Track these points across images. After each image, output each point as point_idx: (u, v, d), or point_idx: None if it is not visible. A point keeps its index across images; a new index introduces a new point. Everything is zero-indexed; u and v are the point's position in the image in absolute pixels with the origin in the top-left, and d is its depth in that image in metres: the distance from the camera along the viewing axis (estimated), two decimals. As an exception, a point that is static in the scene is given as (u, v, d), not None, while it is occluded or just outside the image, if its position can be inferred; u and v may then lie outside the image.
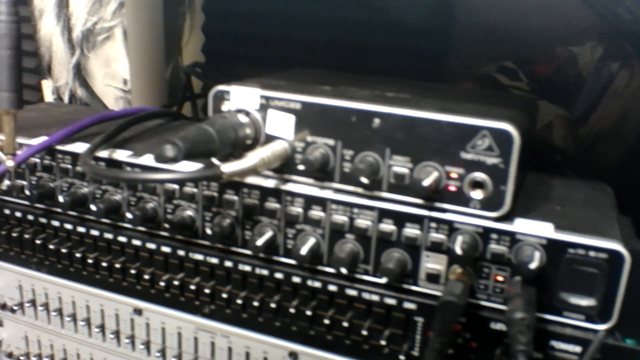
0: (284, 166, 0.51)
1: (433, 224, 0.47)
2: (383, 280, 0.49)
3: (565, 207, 0.50)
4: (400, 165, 0.47)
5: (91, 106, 1.12)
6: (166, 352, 0.60)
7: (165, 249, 0.57)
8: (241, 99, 0.51)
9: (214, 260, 0.55)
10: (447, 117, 0.45)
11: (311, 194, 0.51)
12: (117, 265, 0.59)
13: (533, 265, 0.43)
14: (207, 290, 0.56)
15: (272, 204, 0.52)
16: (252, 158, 0.48)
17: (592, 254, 0.43)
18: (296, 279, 0.53)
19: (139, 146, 0.61)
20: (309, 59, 0.88)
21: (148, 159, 0.57)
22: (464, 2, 0.78)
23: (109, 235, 0.60)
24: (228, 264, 0.55)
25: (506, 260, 0.46)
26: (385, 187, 0.48)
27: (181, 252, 0.57)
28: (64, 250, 0.62)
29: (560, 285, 0.45)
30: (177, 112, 0.81)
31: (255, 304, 0.54)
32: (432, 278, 0.48)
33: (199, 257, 0.56)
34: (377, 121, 0.47)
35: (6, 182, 0.63)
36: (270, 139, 0.51)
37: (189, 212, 0.56)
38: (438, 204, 0.47)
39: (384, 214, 0.48)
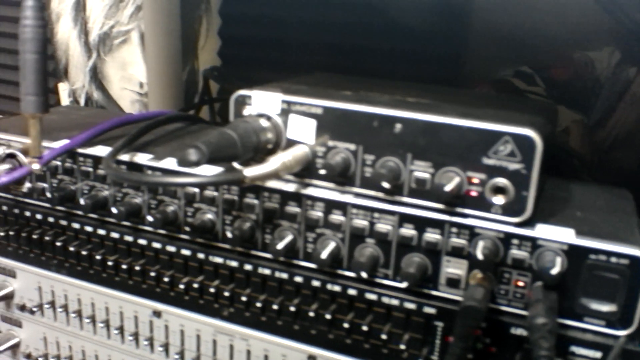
0: (305, 170, 0.51)
1: (454, 229, 0.47)
2: (403, 285, 0.49)
3: (586, 213, 0.50)
4: (421, 170, 0.47)
5: (109, 110, 1.13)
6: (185, 354, 0.61)
7: (185, 252, 0.58)
8: (263, 103, 0.51)
9: (234, 264, 0.56)
10: (470, 122, 0.45)
11: (332, 198, 0.51)
12: (137, 268, 0.60)
13: (554, 271, 0.43)
14: (226, 293, 0.56)
15: (292, 208, 0.52)
16: (273, 162, 0.48)
17: (613, 259, 0.44)
18: (316, 283, 0.53)
19: (159, 149, 0.61)
20: (325, 63, 0.88)
21: (169, 163, 0.57)
22: (480, 6, 0.78)
23: (129, 238, 0.60)
24: (248, 267, 0.55)
25: (527, 266, 0.46)
26: (406, 192, 0.48)
27: (201, 255, 0.57)
28: (84, 253, 0.62)
29: (581, 291, 0.45)
30: (196, 116, 0.82)
31: (275, 307, 0.54)
32: (453, 283, 0.48)
33: (219, 260, 0.56)
34: (398, 126, 0.47)
35: (27, 185, 0.64)
36: (291, 143, 0.51)
37: (209, 216, 0.56)
38: (459, 209, 0.47)
39: (404, 219, 0.49)
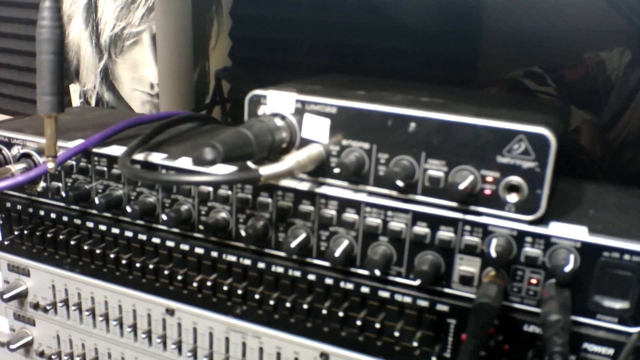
0: (319, 169, 0.52)
1: (467, 227, 0.48)
2: (416, 283, 0.49)
3: (599, 211, 0.50)
4: (435, 169, 0.48)
5: (122, 110, 1.13)
6: (197, 352, 0.61)
7: (199, 250, 0.58)
8: (277, 103, 0.52)
9: (247, 262, 0.56)
10: (484, 121, 0.45)
11: (345, 197, 0.51)
12: (151, 266, 0.60)
13: (568, 269, 0.44)
14: (239, 291, 0.57)
15: (306, 207, 0.53)
16: (288, 161, 0.48)
17: (626, 257, 0.44)
18: (329, 281, 0.53)
19: (173, 149, 0.62)
20: (336, 64, 0.89)
21: (183, 162, 0.57)
22: (491, 7, 0.79)
23: (142, 237, 0.61)
24: (261, 265, 0.56)
25: (540, 264, 0.46)
26: (419, 190, 0.49)
27: (214, 254, 0.58)
28: (97, 251, 0.63)
29: (594, 288, 0.45)
30: (209, 116, 0.83)
31: (288, 305, 0.55)
32: (466, 280, 0.49)
33: (232, 258, 0.57)
34: (412, 125, 0.48)
35: (42, 184, 0.65)
36: (305, 142, 0.51)
37: (223, 214, 0.56)
38: (473, 207, 0.47)
39: (418, 217, 0.49)
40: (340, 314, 0.53)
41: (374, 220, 0.50)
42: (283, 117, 0.52)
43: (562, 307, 0.43)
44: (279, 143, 0.51)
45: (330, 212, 0.52)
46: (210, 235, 0.57)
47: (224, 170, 0.54)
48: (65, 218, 0.64)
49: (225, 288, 0.57)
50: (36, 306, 0.70)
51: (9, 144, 0.65)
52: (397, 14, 0.83)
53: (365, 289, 0.52)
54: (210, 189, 0.56)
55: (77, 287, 0.66)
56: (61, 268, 0.66)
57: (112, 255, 0.62)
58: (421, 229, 0.49)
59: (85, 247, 0.63)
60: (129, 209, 0.58)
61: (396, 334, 0.51)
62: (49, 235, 0.65)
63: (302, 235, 0.53)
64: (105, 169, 0.61)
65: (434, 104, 0.51)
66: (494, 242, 0.46)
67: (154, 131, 0.63)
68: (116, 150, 0.61)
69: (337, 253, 0.51)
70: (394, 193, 0.50)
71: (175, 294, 0.61)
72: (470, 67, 0.82)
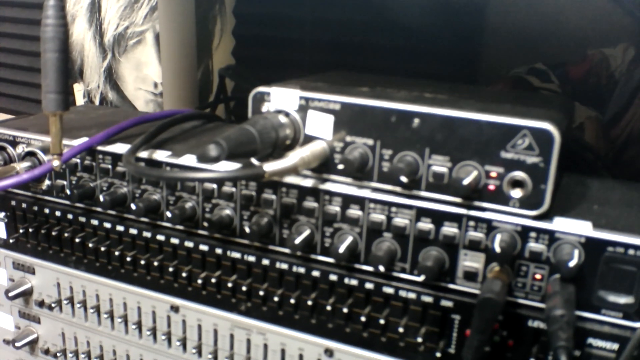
0: (323, 166, 0.52)
1: (471, 223, 0.48)
2: (420, 278, 0.49)
3: (603, 207, 0.50)
4: (439, 165, 0.48)
5: (126, 109, 1.14)
6: (202, 349, 0.61)
7: (203, 247, 0.58)
8: (281, 100, 0.52)
9: (252, 259, 0.56)
10: (487, 117, 0.45)
11: (349, 193, 0.51)
12: (155, 263, 0.61)
13: (572, 264, 0.44)
14: (244, 288, 0.57)
15: (310, 203, 0.53)
16: (292, 158, 0.49)
17: (630, 252, 0.44)
18: (333, 277, 0.53)
19: (177, 147, 0.62)
20: (340, 62, 0.89)
21: (187, 159, 0.58)
22: (494, 4, 0.79)
23: (147, 234, 0.61)
24: (265, 262, 0.56)
25: (545, 259, 0.46)
26: (423, 186, 0.49)
27: (219, 251, 0.58)
28: (102, 249, 0.63)
29: (598, 283, 0.45)
30: (213, 114, 0.83)
31: (292, 301, 0.55)
32: (470, 276, 0.49)
33: (237, 255, 0.57)
34: (416, 121, 0.48)
35: (47, 182, 0.65)
36: (309, 139, 0.52)
37: (227, 211, 0.57)
38: (477, 203, 0.47)
39: (422, 213, 0.49)
40: (345, 310, 0.53)
41: (378, 217, 0.51)
42: (287, 114, 0.52)
43: (567, 302, 0.43)
44: (283, 140, 0.51)
45: (335, 208, 0.52)
46: (215, 232, 0.57)
47: (228, 167, 0.54)
48: (70, 216, 0.64)
49: (229, 285, 0.58)
50: (41, 304, 0.70)
51: (14, 143, 0.65)
52: (400, 11, 0.83)
53: (369, 285, 0.52)
54: (215, 185, 0.56)
55: (82, 285, 0.66)
56: (66, 266, 0.67)
57: (116, 253, 0.62)
58: (425, 224, 0.49)
59: (90, 245, 0.64)
60: (133, 206, 0.58)
61: (400, 329, 0.51)
62: (53, 233, 0.66)
63: (306, 232, 0.53)
64: (109, 166, 0.61)
65: (438, 100, 0.51)
66: (498, 237, 0.46)
67: (158, 129, 0.63)
68: (120, 148, 0.61)
69: (342, 249, 0.51)
70: (398, 189, 0.50)
71: (180, 291, 0.61)
72: (473, 65, 0.82)
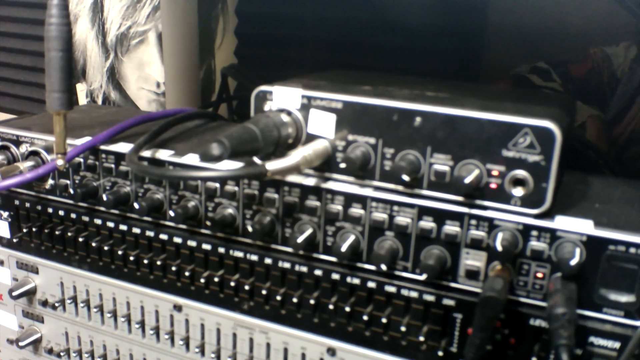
0: (325, 164, 0.52)
1: (473, 221, 0.48)
2: (422, 277, 0.49)
3: (605, 205, 0.50)
4: (441, 163, 0.48)
5: (129, 108, 1.14)
6: (205, 348, 0.62)
7: (206, 247, 0.58)
8: (283, 98, 0.52)
9: (254, 258, 0.57)
10: (489, 115, 0.45)
11: (351, 192, 0.51)
12: (158, 263, 0.61)
13: (573, 262, 0.44)
14: (246, 287, 0.57)
15: (312, 202, 0.53)
16: (294, 156, 0.49)
17: (631, 250, 0.44)
18: (335, 276, 0.54)
19: (179, 146, 0.62)
20: (342, 61, 0.89)
21: (190, 158, 0.58)
22: (496, 3, 0.79)
23: (150, 233, 0.61)
24: (268, 261, 0.56)
25: (546, 257, 0.46)
26: (425, 184, 0.49)
27: (221, 250, 0.58)
28: (105, 248, 0.63)
29: (599, 282, 0.45)
30: (216, 113, 0.83)
31: (294, 300, 0.55)
32: (472, 275, 0.49)
33: (239, 254, 0.57)
34: (418, 120, 0.48)
35: (50, 181, 0.65)
36: (311, 138, 0.52)
37: (230, 210, 0.57)
38: (478, 201, 0.47)
39: (424, 212, 0.49)
40: (347, 309, 0.53)
41: (380, 215, 0.51)
42: (289, 113, 0.52)
43: (568, 301, 0.43)
44: (285, 138, 0.51)
45: (337, 207, 0.52)
46: (217, 231, 0.58)
47: (230, 166, 0.54)
48: (73, 215, 0.65)
49: (232, 284, 0.58)
50: (45, 303, 0.70)
51: (17, 142, 0.66)
52: (402, 11, 0.83)
53: (371, 284, 0.52)
54: (217, 185, 0.57)
55: (86, 284, 0.66)
56: (69, 265, 0.67)
57: (120, 252, 0.63)
58: (427, 223, 0.49)
59: (93, 244, 0.64)
60: (136, 205, 0.59)
61: (403, 328, 0.51)
62: (57, 233, 0.66)
63: (309, 231, 0.53)
64: (113, 166, 0.61)
65: (440, 98, 0.51)
66: (500, 236, 0.46)
67: (160, 128, 0.63)
68: (124, 147, 0.61)
69: (344, 248, 0.51)
70: (400, 188, 0.50)
71: (183, 290, 0.61)
72: (475, 64, 0.82)
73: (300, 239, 0.53)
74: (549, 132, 0.44)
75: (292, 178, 0.53)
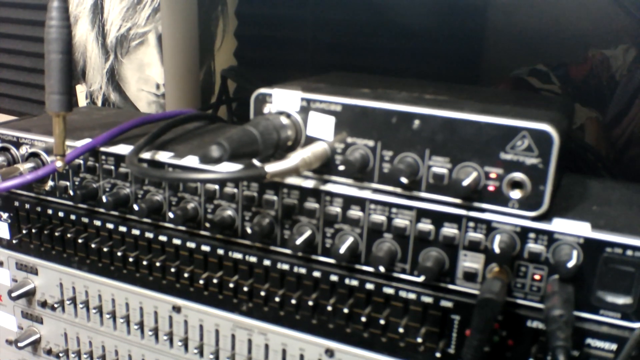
0: (324, 167, 0.52)
1: (471, 224, 0.48)
2: (420, 279, 0.50)
3: (602, 207, 0.51)
4: (439, 166, 0.48)
5: (129, 110, 1.14)
6: (204, 349, 0.62)
7: (205, 248, 0.59)
8: (282, 101, 0.52)
9: (253, 259, 0.57)
10: (487, 118, 0.46)
11: (350, 194, 0.52)
12: (157, 264, 0.61)
13: (571, 264, 0.44)
14: (245, 289, 0.57)
15: (311, 204, 0.53)
16: (294, 159, 0.49)
17: (629, 252, 0.44)
18: (334, 278, 0.54)
19: (179, 148, 0.62)
20: (341, 63, 0.89)
21: (189, 160, 0.58)
22: (495, 5, 0.79)
23: (149, 235, 0.61)
24: (267, 262, 0.56)
25: (544, 259, 0.46)
26: (424, 187, 0.49)
27: (220, 251, 0.58)
28: (105, 249, 0.63)
29: (597, 284, 0.45)
30: (215, 115, 0.83)
31: (293, 301, 0.55)
32: (470, 277, 0.49)
33: (238, 255, 0.57)
34: (417, 122, 0.48)
35: (50, 183, 0.65)
36: (310, 140, 0.52)
37: (229, 212, 0.57)
38: (476, 204, 0.48)
39: (422, 214, 0.49)
40: (345, 310, 0.53)
41: (379, 217, 0.51)
42: (288, 115, 0.52)
43: (566, 302, 0.43)
44: (285, 141, 0.51)
45: (335, 209, 0.52)
46: (217, 232, 0.58)
47: (230, 168, 0.54)
48: (73, 217, 0.65)
49: (231, 285, 0.58)
50: (44, 304, 0.70)
51: (17, 144, 0.66)
52: (402, 13, 0.83)
53: (370, 286, 0.52)
54: (217, 186, 0.57)
55: (85, 285, 0.67)
56: (69, 266, 0.67)
57: (119, 253, 0.63)
58: (425, 225, 0.49)
59: (93, 246, 0.64)
60: (136, 207, 0.59)
61: (401, 330, 0.52)
62: (56, 234, 0.66)
63: (308, 233, 0.53)
64: (112, 167, 0.61)
65: (438, 101, 0.51)
66: (498, 238, 0.47)
67: (160, 130, 0.63)
68: (123, 149, 0.61)
69: (342, 250, 0.51)
70: (398, 190, 0.50)
71: (182, 292, 0.61)
72: (474, 66, 0.82)
73: (299, 241, 0.53)
74: (546, 135, 0.44)
75: (291, 180, 0.53)
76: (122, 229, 0.62)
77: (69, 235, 0.65)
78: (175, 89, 0.95)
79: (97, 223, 0.64)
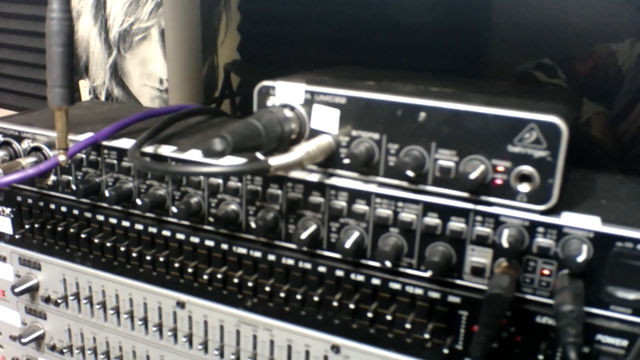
0: (329, 160, 0.52)
1: (479, 218, 0.47)
2: (427, 274, 0.49)
3: (612, 202, 0.50)
4: (446, 159, 0.47)
5: (131, 104, 1.14)
6: (208, 345, 0.61)
7: (209, 243, 0.58)
8: (286, 94, 0.52)
9: (257, 254, 0.56)
10: (494, 110, 0.45)
11: (355, 188, 0.51)
12: (161, 259, 0.61)
13: (581, 259, 0.43)
14: (249, 284, 0.57)
15: (316, 198, 0.53)
16: (298, 152, 0.48)
17: (639, 247, 0.43)
18: (339, 273, 0.53)
19: (182, 141, 0.62)
20: (345, 58, 0.88)
21: (192, 154, 0.57)
22: (501, -1, 0.78)
23: (153, 229, 0.61)
24: (271, 257, 0.56)
25: (553, 254, 0.46)
26: (430, 180, 0.49)
27: (224, 246, 0.58)
28: (108, 244, 0.63)
29: (607, 279, 0.45)
30: (218, 109, 0.83)
31: (298, 297, 0.55)
32: (477, 272, 0.48)
33: (243, 250, 0.57)
34: (423, 115, 0.47)
35: (52, 177, 0.65)
36: (314, 133, 0.51)
37: (233, 206, 0.56)
38: (484, 198, 0.47)
39: (428, 208, 0.49)
40: (351, 306, 0.53)
41: (385, 211, 0.50)
42: (292, 108, 0.52)
43: (576, 298, 0.43)
44: (289, 134, 0.51)
45: (341, 203, 0.52)
46: (221, 227, 0.57)
47: (233, 161, 0.54)
48: (75, 211, 0.64)
49: (235, 280, 0.57)
50: (47, 300, 0.70)
51: (19, 138, 0.65)
52: (406, 8, 0.83)
53: (376, 281, 0.52)
54: (220, 180, 0.56)
55: (88, 281, 0.66)
56: (72, 261, 0.67)
57: (122, 248, 0.62)
58: (432, 219, 0.49)
59: (96, 241, 0.63)
60: (139, 201, 0.58)
61: (407, 326, 0.51)
62: (59, 229, 0.66)
63: (313, 227, 0.53)
64: (115, 161, 0.61)
65: (444, 93, 0.51)
66: (506, 232, 0.46)
67: (163, 124, 0.63)
68: (126, 143, 0.61)
69: (348, 244, 0.51)
70: (404, 184, 0.50)
71: (186, 287, 0.61)
72: (480, 60, 0.81)
73: (304, 236, 0.52)
74: (555, 127, 0.43)
75: (296, 174, 0.53)
76: (125, 223, 0.62)
77: (71, 230, 0.65)
78: (178, 83, 0.94)
79: (100, 218, 0.63)
